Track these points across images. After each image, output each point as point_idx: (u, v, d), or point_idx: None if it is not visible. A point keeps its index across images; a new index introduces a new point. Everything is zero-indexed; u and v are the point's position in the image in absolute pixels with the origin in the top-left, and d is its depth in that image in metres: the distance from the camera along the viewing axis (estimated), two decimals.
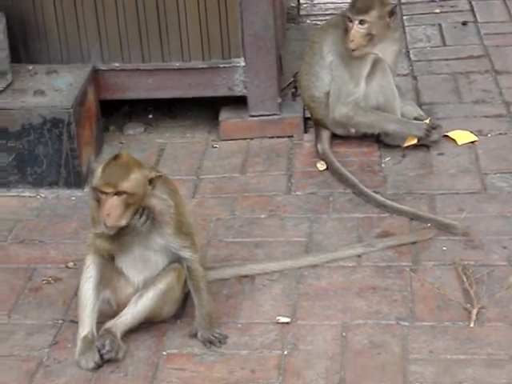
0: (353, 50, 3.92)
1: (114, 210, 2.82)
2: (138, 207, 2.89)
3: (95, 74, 4.18)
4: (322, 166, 4.03)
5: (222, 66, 4.18)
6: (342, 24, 4.02)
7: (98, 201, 2.87)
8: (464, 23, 5.20)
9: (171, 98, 4.34)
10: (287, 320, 3.09)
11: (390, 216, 3.62)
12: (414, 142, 4.01)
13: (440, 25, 5.22)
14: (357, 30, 3.89)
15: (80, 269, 3.11)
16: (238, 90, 4.23)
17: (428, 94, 4.52)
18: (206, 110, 4.46)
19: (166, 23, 4.12)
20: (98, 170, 2.88)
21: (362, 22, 3.89)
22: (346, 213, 3.68)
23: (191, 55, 4.17)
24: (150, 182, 2.89)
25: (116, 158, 2.87)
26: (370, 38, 3.92)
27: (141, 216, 2.91)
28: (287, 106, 4.34)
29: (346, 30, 3.95)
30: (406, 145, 4.03)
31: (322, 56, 4.07)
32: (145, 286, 3.04)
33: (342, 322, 3.06)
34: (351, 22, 3.91)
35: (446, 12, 5.35)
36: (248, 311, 3.15)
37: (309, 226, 3.61)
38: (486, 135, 4.11)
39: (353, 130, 4.11)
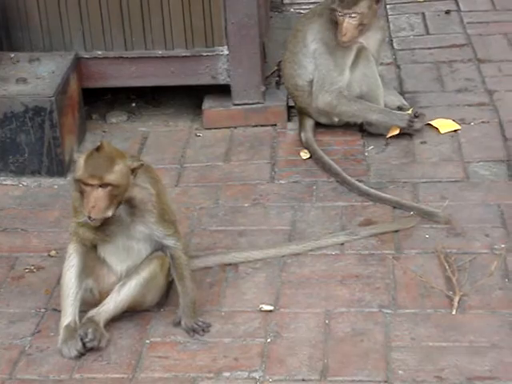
0: (344, 42, 3.91)
1: (99, 202, 2.81)
2: (122, 198, 2.88)
3: (78, 62, 4.16)
4: (305, 154, 4.03)
5: (205, 54, 4.17)
6: (326, 13, 4.01)
7: (82, 192, 2.85)
8: (447, 12, 5.20)
9: (154, 87, 4.33)
10: (270, 308, 3.10)
11: (373, 204, 3.63)
12: (397, 132, 4.02)
13: (423, 13, 5.22)
14: (348, 22, 3.88)
15: (62, 257, 3.10)
16: (222, 79, 4.22)
17: (411, 82, 4.53)
18: (189, 98, 4.44)
19: (149, 11, 4.09)
20: (81, 162, 2.85)
21: (352, 15, 3.87)
22: (329, 201, 3.69)
23: (174, 43, 4.15)
24: (133, 171, 2.88)
25: (98, 148, 2.85)
26: (362, 28, 3.93)
27: (123, 205, 2.89)
28: (271, 94, 4.33)
29: (336, 23, 3.93)
30: (389, 135, 4.04)
31: (306, 44, 4.07)
32: (128, 274, 3.04)
33: (324, 310, 3.07)
34: (342, 15, 3.89)
35: (429, 1, 5.35)
36: (231, 299, 3.16)
37: (292, 214, 3.62)
38: (469, 124, 4.12)
39: (336, 119, 4.11)
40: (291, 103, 4.30)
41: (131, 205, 2.93)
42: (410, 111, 4.05)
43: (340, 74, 4.01)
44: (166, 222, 2.99)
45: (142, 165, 2.90)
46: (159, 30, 4.13)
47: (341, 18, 3.90)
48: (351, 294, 3.13)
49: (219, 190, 3.82)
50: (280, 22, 5.20)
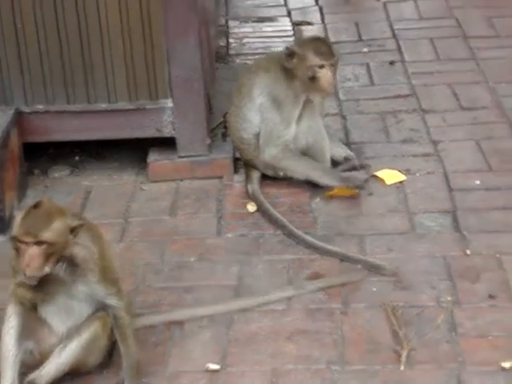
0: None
1: (33, 260, 2.74)
2: (60, 256, 2.81)
3: (19, 117, 4.09)
4: (252, 207, 4.01)
5: (149, 107, 4.14)
6: (273, 67, 4.03)
7: (18, 250, 2.78)
8: (391, 62, 5.25)
9: (99, 140, 4.27)
10: (217, 367, 3.03)
11: (320, 257, 3.60)
12: (344, 193, 3.98)
13: (368, 64, 5.26)
14: (333, 73, 3.92)
15: (1, 318, 3.00)
16: (167, 132, 4.19)
17: (357, 133, 4.55)
18: (134, 151, 4.39)
19: (91, 64, 4.06)
20: (18, 219, 2.79)
21: (333, 65, 3.92)
22: (276, 254, 3.65)
23: (118, 96, 4.11)
24: (73, 230, 2.82)
25: (36, 205, 2.79)
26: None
27: (63, 265, 2.83)
28: (217, 146, 4.31)
29: (289, 77, 3.94)
30: (331, 193, 3.99)
31: (252, 98, 4.06)
32: (69, 335, 2.96)
33: (272, 368, 3.01)
34: (322, 67, 3.90)
35: (373, 51, 5.40)
36: (177, 359, 3.08)
37: (239, 268, 3.57)
38: (414, 174, 4.14)
39: (281, 173, 4.10)
40: (238, 155, 4.28)
41: (72, 264, 2.86)
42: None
43: (286, 127, 4.01)
44: (107, 281, 2.92)
45: (83, 224, 2.84)
46: (102, 83, 4.09)
47: (323, 70, 3.90)
48: (299, 351, 3.08)
49: (164, 244, 3.76)
50: (226, 73, 5.20)
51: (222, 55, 5.44)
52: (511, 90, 4.77)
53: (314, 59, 3.91)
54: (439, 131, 4.47)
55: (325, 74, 3.91)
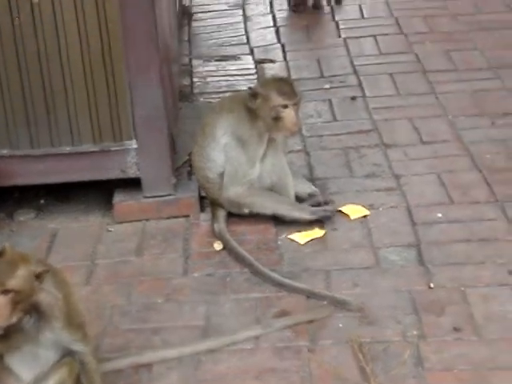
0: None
1: (1, 310, 2.72)
2: (27, 304, 2.79)
3: None
4: (218, 245, 4.02)
5: (113, 148, 4.15)
6: (237, 107, 4.07)
7: None
8: (353, 98, 5.32)
9: (64, 183, 4.27)
10: None
11: (287, 295, 3.62)
12: (317, 234, 4.01)
13: (330, 100, 5.33)
14: (297, 112, 3.96)
15: None
16: (131, 172, 4.20)
17: (321, 169, 4.59)
18: (99, 192, 4.39)
19: (54, 107, 4.06)
20: None
21: (296, 104, 3.96)
22: (243, 293, 3.66)
23: (82, 139, 4.12)
24: (38, 276, 2.81)
25: (0, 254, 2.78)
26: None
27: (28, 312, 2.81)
28: (182, 185, 4.33)
29: (253, 117, 3.99)
30: (304, 241, 4.00)
31: (215, 138, 4.10)
32: (36, 383, 2.93)
33: None
34: (286, 107, 3.95)
35: (335, 87, 5.47)
36: None
37: (206, 308, 3.57)
38: (378, 209, 4.19)
39: (246, 210, 4.13)
40: (204, 194, 4.30)
41: (37, 310, 2.84)
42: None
43: (251, 166, 4.05)
44: (73, 326, 2.90)
45: (48, 270, 2.83)
46: (66, 126, 4.09)
47: (287, 110, 3.94)
48: None
49: (131, 286, 3.75)
50: (190, 111, 5.24)
51: (185, 94, 5.48)
52: (470, 123, 4.86)
53: (277, 99, 3.96)
54: (401, 165, 4.53)
55: (288, 114, 3.97)
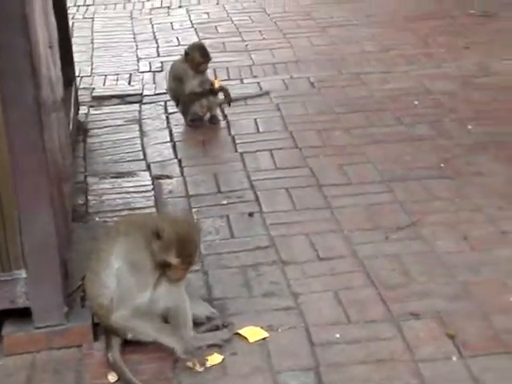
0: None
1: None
2: None
3: None
4: (113, 377, 3.86)
5: (2, 279, 3.99)
6: (132, 231, 3.99)
7: None
8: (250, 214, 5.30)
9: None
10: None
11: None
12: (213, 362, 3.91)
13: (228, 216, 5.30)
14: (186, 271, 3.94)
15: None
16: (21, 302, 4.03)
17: (219, 288, 4.53)
18: None
19: None
20: None
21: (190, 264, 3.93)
22: None
23: None
24: None
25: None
26: None
27: None
28: (75, 313, 4.17)
29: (166, 265, 3.90)
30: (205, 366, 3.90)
31: (109, 263, 3.99)
32: None
33: None
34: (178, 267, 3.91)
35: (233, 203, 5.46)
36: None
37: None
38: (277, 330, 4.12)
39: (130, 335, 4.00)
40: (97, 320, 4.16)
41: None
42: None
43: (141, 291, 3.95)
44: None
45: None
46: None
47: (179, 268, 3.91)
48: None
49: None
50: (85, 232, 5.12)
51: (80, 214, 5.37)
52: (365, 238, 4.91)
53: (174, 259, 3.88)
54: (299, 283, 4.51)
55: (178, 272, 3.93)
